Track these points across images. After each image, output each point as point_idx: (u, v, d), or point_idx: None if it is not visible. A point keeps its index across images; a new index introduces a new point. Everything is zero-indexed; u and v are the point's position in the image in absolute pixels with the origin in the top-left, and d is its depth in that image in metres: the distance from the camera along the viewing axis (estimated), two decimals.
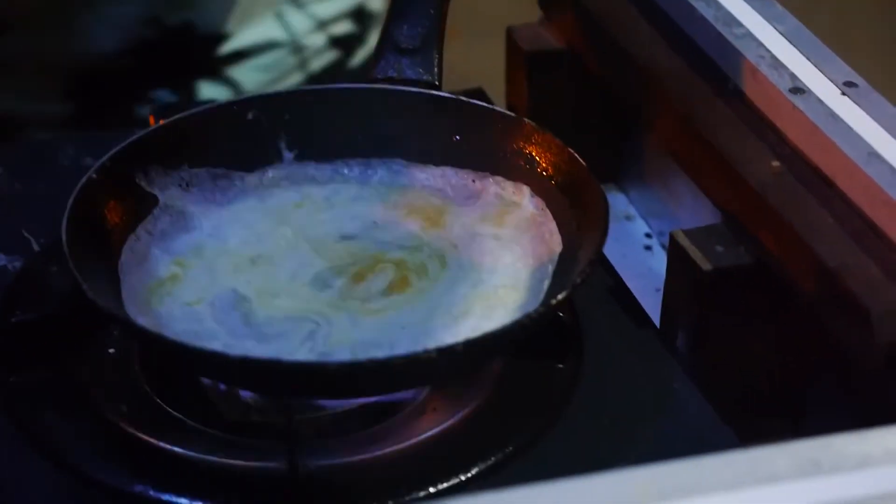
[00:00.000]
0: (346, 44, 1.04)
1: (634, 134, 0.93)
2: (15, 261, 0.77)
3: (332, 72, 1.05)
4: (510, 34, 0.94)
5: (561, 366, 0.72)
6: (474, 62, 1.08)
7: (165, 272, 0.71)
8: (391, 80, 0.79)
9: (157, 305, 0.69)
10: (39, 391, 0.69)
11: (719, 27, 0.82)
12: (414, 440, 0.67)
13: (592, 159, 0.74)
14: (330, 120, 0.78)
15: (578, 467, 0.66)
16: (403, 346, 0.66)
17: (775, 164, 0.74)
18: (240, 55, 0.99)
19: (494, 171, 0.77)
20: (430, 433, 0.68)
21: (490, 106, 0.79)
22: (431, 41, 0.80)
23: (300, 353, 0.66)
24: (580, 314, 0.75)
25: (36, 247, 0.77)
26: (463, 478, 0.65)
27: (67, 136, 0.94)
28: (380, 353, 0.66)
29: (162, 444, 0.66)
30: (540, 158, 0.76)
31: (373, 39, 1.06)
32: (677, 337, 0.76)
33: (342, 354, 0.66)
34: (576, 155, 0.75)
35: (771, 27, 0.82)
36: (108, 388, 0.69)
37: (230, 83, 0.99)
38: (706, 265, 0.73)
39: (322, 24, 1.02)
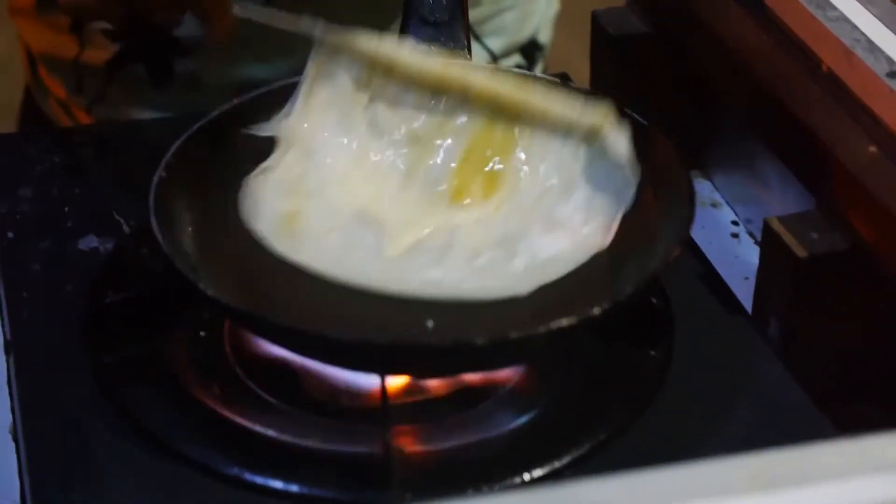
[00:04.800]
0: None
1: (720, 119, 0.92)
2: (106, 242, 0.77)
3: None
4: (595, 18, 0.93)
5: (653, 352, 0.71)
6: (558, 47, 1.07)
7: (285, 207, 0.72)
8: None
9: (296, 241, 0.71)
10: (133, 371, 0.69)
11: (812, 9, 0.80)
12: (507, 426, 0.67)
13: (678, 145, 0.73)
14: None
15: (671, 454, 0.66)
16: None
17: (872, 148, 0.72)
18: None
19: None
20: (522, 420, 0.67)
21: (531, 73, 0.79)
22: (457, 12, 0.79)
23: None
24: (671, 300, 0.74)
25: (126, 228, 0.78)
26: (557, 464, 0.65)
27: (154, 118, 0.95)
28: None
29: (253, 426, 0.66)
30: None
31: (538, 71, 1.06)
32: (770, 324, 0.75)
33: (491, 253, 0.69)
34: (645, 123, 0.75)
35: (865, 10, 0.80)
36: (200, 369, 0.70)
37: None
38: (802, 252, 0.72)
39: (495, 58, 1.02)
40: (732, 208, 0.92)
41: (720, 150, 0.93)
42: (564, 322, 0.62)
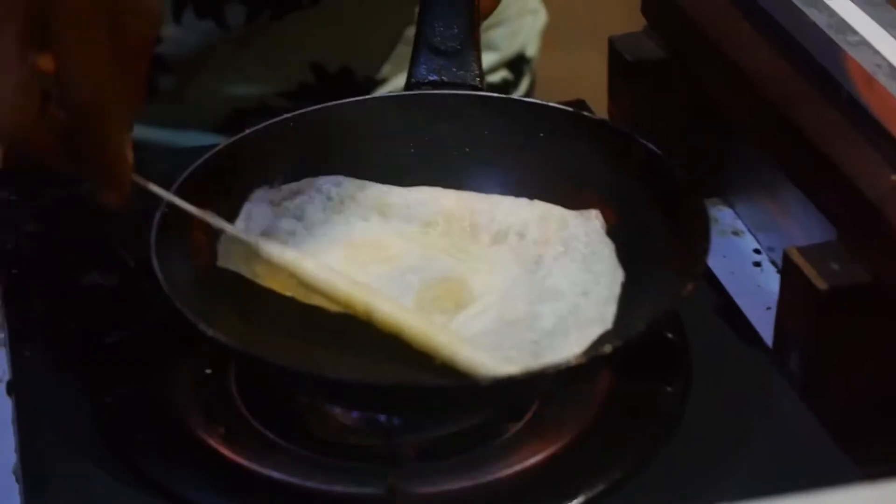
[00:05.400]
0: (500, 90, 1.03)
1: (741, 145, 0.90)
2: (111, 279, 0.76)
3: None
4: (612, 44, 0.91)
5: (669, 388, 0.69)
6: (575, 74, 1.06)
7: None
8: (433, 85, 0.78)
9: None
10: (134, 412, 0.68)
11: (832, 34, 0.78)
12: (516, 466, 0.65)
13: (698, 172, 0.72)
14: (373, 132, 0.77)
15: (687, 495, 0.64)
16: None
17: (894, 177, 0.70)
18: None
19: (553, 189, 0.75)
20: (533, 459, 0.65)
21: (546, 103, 0.77)
22: (468, 41, 0.78)
23: None
24: (688, 334, 0.72)
25: (131, 264, 0.76)
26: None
27: (159, 151, 0.93)
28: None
29: (257, 468, 0.65)
30: (623, 166, 0.73)
31: (525, 84, 1.05)
32: (790, 358, 0.73)
33: None
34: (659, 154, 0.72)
35: (888, 34, 0.78)
36: (205, 409, 0.68)
37: None
38: (822, 284, 0.70)
39: (482, 75, 1.00)
40: (755, 236, 0.90)
41: (741, 176, 0.91)
42: (573, 361, 0.60)
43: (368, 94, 0.96)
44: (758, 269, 0.87)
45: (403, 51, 0.97)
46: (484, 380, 0.60)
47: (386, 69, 0.99)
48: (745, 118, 0.83)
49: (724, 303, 0.76)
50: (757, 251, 0.88)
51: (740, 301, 0.77)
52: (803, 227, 0.82)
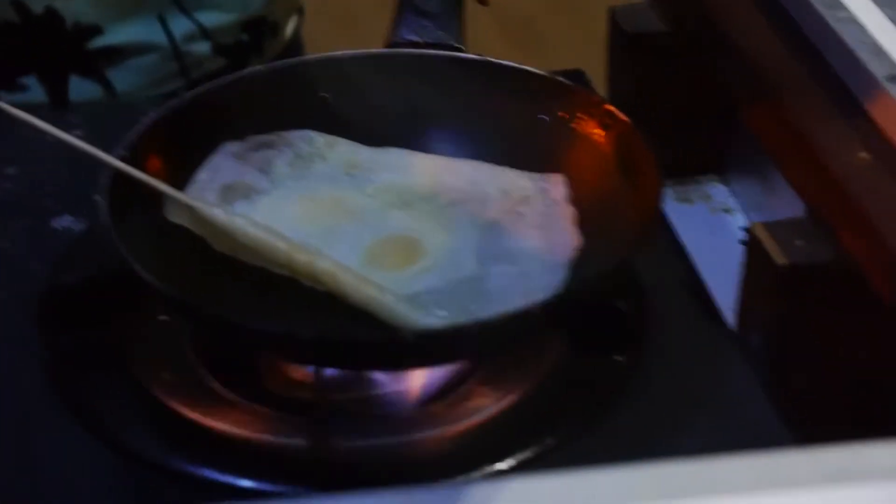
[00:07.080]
0: (236, 52, 0.99)
1: (739, 122, 0.88)
2: (80, 222, 0.76)
3: None
4: (613, 15, 0.90)
5: (619, 358, 0.68)
6: (574, 44, 1.04)
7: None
8: (414, 45, 0.77)
9: None
10: (85, 355, 0.68)
11: (822, 9, 0.77)
12: (451, 426, 0.65)
13: (695, 148, 0.70)
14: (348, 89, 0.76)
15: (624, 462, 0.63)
16: None
17: (863, 154, 0.69)
18: (115, 54, 0.94)
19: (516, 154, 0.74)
20: (469, 420, 0.65)
21: (522, 67, 0.75)
22: (451, 3, 0.78)
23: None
24: (647, 306, 0.71)
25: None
26: (501, 466, 0.62)
27: (152, 98, 0.94)
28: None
29: (195, 417, 0.65)
30: (595, 132, 0.72)
31: (270, 49, 1.01)
32: (750, 337, 0.71)
33: None
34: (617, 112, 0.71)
35: (879, 11, 0.76)
36: (154, 356, 0.68)
37: (104, 81, 0.94)
38: (782, 260, 0.68)
39: (206, 33, 0.96)
40: (746, 215, 0.88)
41: (738, 153, 0.90)
42: (498, 318, 0.59)
43: (83, 43, 0.93)
44: (744, 247, 0.85)
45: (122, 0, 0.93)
46: (409, 333, 0.60)
47: (104, 19, 0.93)
48: (737, 93, 0.82)
49: (690, 278, 0.74)
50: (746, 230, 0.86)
51: (721, 279, 0.76)
52: (790, 207, 0.81)
